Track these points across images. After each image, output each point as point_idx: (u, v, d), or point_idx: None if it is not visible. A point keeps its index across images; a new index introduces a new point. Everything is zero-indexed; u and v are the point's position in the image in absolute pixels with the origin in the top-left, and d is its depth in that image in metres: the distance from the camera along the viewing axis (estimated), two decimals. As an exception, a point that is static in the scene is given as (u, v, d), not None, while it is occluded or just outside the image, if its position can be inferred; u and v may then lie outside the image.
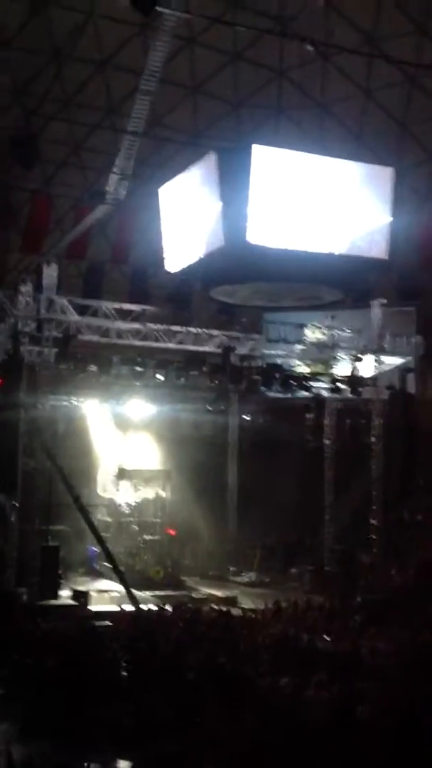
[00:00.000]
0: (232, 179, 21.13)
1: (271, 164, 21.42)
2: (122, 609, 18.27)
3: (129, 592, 5.64)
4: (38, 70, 27.81)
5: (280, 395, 25.64)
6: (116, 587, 22.86)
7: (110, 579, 23.97)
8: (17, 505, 21.03)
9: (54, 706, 12.30)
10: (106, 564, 24.87)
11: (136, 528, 26.21)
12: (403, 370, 24.92)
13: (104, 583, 23.08)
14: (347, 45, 24.98)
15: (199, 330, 23.97)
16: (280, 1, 25.81)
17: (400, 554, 23.66)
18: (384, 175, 23.14)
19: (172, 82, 27.00)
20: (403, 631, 15.75)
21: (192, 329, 23.94)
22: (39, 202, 29.39)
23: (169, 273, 25.32)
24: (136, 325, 23.25)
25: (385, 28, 25.93)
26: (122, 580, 5.29)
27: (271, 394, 25.77)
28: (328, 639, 15.56)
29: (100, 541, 5.88)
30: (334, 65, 27.48)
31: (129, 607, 18.30)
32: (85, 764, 10.42)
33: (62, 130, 29.53)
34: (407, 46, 25.70)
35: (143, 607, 18.53)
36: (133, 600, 4.84)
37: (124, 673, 13.59)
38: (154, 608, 18.48)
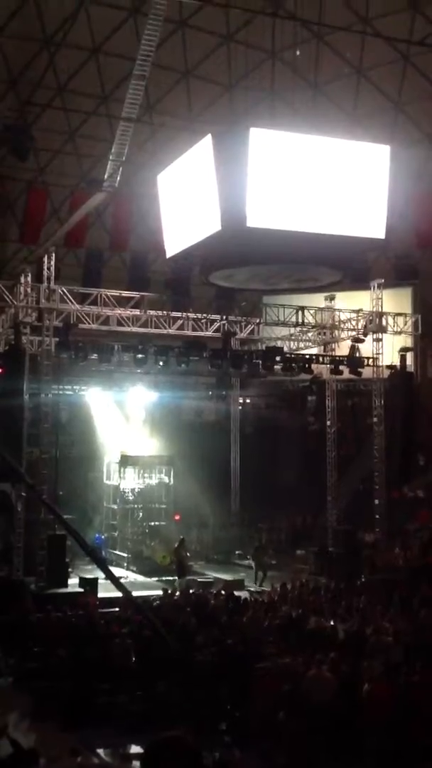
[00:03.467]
0: (229, 162, 20.98)
1: (268, 146, 21.26)
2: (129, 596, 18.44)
3: (113, 580, 5.69)
4: (31, 58, 27.69)
5: (281, 378, 25.65)
6: (124, 574, 23.09)
7: (118, 566, 24.19)
8: (23, 494, 21.18)
9: (64, 693, 12.47)
10: (113, 551, 25.09)
11: (141, 514, 26.38)
12: (402, 350, 24.89)
13: (112, 571, 23.28)
14: (340, 24, 24.80)
15: (199, 315, 24.01)
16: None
17: (403, 532, 23.76)
18: (380, 153, 23.02)
19: (165, 66, 26.90)
20: (405, 612, 15.88)
21: (191, 314, 23.96)
22: (35, 195, 29.37)
23: (168, 259, 25.28)
24: (135, 312, 23.30)
25: (377, 5, 25.73)
26: (104, 570, 5.33)
27: (272, 377, 25.79)
28: (333, 620, 15.71)
29: (71, 531, 5.89)
30: (327, 45, 27.30)
31: (138, 593, 18.48)
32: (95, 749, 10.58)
33: (57, 119, 29.39)
34: (400, 24, 25.47)
35: (147, 594, 18.76)
36: (120, 587, 4.89)
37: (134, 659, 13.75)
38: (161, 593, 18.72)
